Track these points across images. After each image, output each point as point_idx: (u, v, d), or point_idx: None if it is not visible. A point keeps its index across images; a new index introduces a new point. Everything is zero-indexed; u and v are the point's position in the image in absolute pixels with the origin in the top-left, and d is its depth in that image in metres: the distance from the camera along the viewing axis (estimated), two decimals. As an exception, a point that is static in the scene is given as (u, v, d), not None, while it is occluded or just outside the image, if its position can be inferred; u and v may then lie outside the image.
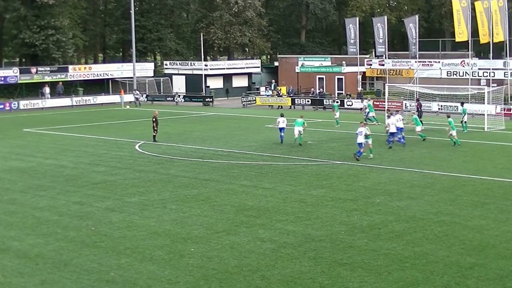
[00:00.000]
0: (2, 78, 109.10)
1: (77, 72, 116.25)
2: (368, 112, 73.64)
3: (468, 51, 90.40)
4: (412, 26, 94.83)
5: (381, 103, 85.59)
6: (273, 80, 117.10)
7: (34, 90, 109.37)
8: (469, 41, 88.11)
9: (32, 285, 27.92)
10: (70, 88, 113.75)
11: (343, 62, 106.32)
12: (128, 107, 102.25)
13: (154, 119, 65.34)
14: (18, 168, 53.90)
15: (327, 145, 61.15)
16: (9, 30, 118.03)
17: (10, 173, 52.15)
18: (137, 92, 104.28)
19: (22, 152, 58.44)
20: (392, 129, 52.89)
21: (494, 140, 62.74)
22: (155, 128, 65.25)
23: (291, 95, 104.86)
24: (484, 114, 72.56)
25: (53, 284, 27.92)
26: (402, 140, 57.10)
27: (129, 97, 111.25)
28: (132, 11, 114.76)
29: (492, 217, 36.73)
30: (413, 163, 52.20)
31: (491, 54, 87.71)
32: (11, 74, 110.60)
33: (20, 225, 37.29)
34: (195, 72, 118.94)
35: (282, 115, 64.03)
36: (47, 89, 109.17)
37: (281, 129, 63.64)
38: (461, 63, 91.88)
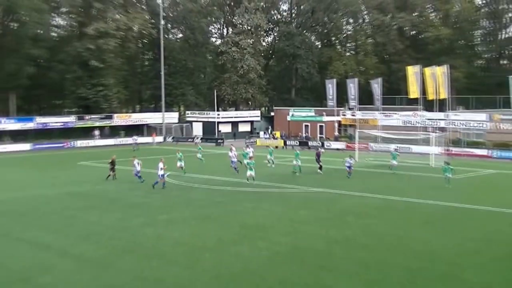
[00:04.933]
0: (63, 123, 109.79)
1: (120, 119, 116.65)
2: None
3: (419, 105, 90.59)
4: (376, 86, 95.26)
5: (352, 145, 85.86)
6: (269, 126, 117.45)
7: (87, 132, 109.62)
8: (420, 98, 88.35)
9: (84, 280, 27.96)
10: (114, 131, 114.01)
11: (324, 113, 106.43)
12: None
13: (111, 162, 61.04)
14: (75, 192, 53.92)
15: (311, 176, 61.19)
16: (69, 87, 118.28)
17: (69, 196, 52.18)
18: (135, 137, 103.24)
19: (78, 179, 58.51)
20: (348, 164, 54.91)
21: (438, 173, 62.74)
22: (112, 169, 60.74)
23: (284, 138, 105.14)
24: (430, 154, 72.77)
25: (101, 280, 27.94)
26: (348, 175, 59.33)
27: (159, 138, 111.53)
28: (162, 73, 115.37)
29: (435, 232, 36.81)
30: (376, 191, 52.24)
31: (436, 108, 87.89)
32: (70, 120, 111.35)
33: (76, 235, 37.29)
34: (210, 119, 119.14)
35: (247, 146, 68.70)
36: (96, 132, 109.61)
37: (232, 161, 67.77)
38: (413, 114, 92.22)
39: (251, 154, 68.37)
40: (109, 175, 60.28)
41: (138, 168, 58.18)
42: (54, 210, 45.44)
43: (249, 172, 57.38)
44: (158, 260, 31.44)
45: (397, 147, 73.39)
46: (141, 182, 57.38)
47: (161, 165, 56.39)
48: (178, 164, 64.21)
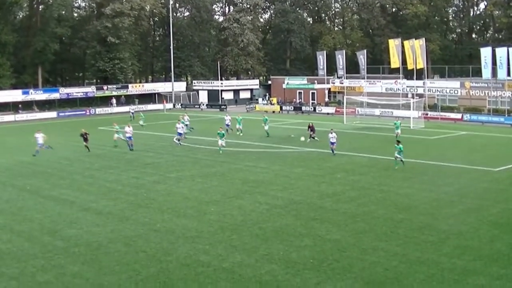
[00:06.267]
0: (84, 93, 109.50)
1: (134, 88, 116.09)
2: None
3: (399, 74, 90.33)
4: (362, 57, 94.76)
5: (341, 109, 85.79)
6: (267, 94, 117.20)
7: (105, 101, 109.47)
8: (400, 68, 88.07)
9: (105, 232, 28.11)
10: (129, 99, 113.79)
11: (315, 81, 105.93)
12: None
13: (83, 134, 55.55)
14: (95, 154, 53.87)
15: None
16: (89, 61, 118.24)
17: (89, 157, 52.15)
18: (132, 107, 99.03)
19: (97, 143, 58.37)
20: (332, 140, 50.93)
21: (417, 134, 62.75)
22: (85, 140, 55.13)
23: (280, 103, 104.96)
24: (410, 117, 72.69)
25: (119, 232, 28.05)
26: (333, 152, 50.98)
27: (169, 105, 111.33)
28: (171, 47, 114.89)
29: (415, 187, 36.91)
30: (363, 150, 52.29)
31: (415, 77, 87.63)
32: (90, 90, 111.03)
33: (96, 192, 37.38)
34: (214, 88, 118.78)
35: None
36: (114, 100, 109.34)
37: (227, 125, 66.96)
38: (394, 82, 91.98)
39: (228, 122, 67.92)
40: (86, 146, 55.09)
41: (131, 135, 56.46)
42: (76, 171, 45.50)
43: (220, 141, 53.58)
44: (169, 213, 31.55)
45: (398, 117, 68.95)
46: (130, 148, 55.90)
47: (179, 125, 59.34)
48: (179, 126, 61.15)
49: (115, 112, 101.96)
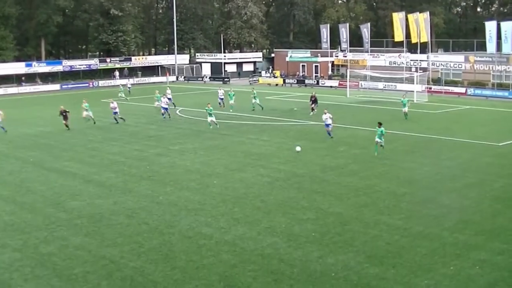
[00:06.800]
0: (88, 66, 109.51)
1: (137, 61, 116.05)
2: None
3: (403, 48, 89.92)
4: (365, 30, 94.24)
5: (344, 83, 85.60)
6: (270, 66, 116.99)
7: (108, 73, 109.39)
8: (404, 41, 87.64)
9: (107, 204, 28.18)
10: (132, 71, 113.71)
11: (319, 54, 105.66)
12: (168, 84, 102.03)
13: (62, 112, 52.61)
14: (97, 126, 53.87)
15: (307, 111, 60.91)
16: (92, 33, 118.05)
17: (91, 129, 52.20)
18: (128, 82, 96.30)
19: (100, 115, 58.20)
20: (328, 122, 47.87)
21: (420, 108, 62.54)
22: (65, 119, 52.15)
23: (283, 76, 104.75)
24: (413, 91, 72.48)
25: (122, 204, 28.15)
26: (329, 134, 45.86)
27: (172, 78, 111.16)
28: (175, 20, 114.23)
29: (418, 161, 36.85)
30: (365, 124, 52.08)
31: (418, 50, 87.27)
32: (93, 63, 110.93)
33: (99, 164, 37.43)
34: (217, 60, 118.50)
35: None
36: (117, 73, 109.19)
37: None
38: (398, 56, 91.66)
39: (221, 96, 66.06)
40: (66, 125, 52.29)
41: (117, 110, 55.88)
42: (79, 143, 45.54)
43: (209, 118, 51.01)
44: (172, 186, 31.57)
45: (406, 93, 66.72)
46: (116, 121, 55.72)
47: (163, 99, 59.52)
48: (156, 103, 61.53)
49: (118, 84, 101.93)
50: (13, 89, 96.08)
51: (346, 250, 21.51)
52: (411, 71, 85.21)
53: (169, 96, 65.78)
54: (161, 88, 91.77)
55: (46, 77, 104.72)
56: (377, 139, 38.31)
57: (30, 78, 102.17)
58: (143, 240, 23.01)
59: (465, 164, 36.08)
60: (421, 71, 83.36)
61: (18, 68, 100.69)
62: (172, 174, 34.31)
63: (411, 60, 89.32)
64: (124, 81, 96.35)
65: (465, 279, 19.04)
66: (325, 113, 45.77)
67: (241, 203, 27.93)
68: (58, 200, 29.25)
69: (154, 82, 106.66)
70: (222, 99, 65.72)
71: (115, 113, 55.89)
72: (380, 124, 38.26)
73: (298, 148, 37.89)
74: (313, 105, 59.13)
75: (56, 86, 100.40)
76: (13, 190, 31.64)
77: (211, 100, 58.05)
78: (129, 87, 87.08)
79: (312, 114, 57.29)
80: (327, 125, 45.41)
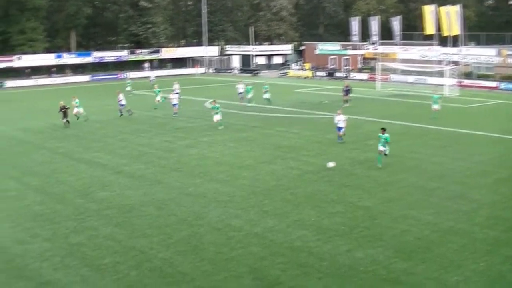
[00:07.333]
0: (117, 57, 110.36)
1: (167, 53, 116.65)
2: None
3: (434, 41, 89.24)
4: (395, 23, 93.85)
5: (374, 76, 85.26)
6: (301, 59, 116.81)
7: (137, 65, 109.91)
8: (435, 34, 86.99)
9: (137, 195, 28.40)
10: (162, 63, 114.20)
11: (349, 47, 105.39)
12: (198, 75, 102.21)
13: (62, 108, 49.90)
14: (126, 118, 54.18)
15: (336, 104, 60.77)
16: (122, 25, 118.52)
17: (120, 120, 52.53)
18: (153, 75, 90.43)
19: (129, 107, 58.19)
20: (340, 125, 44.41)
21: (451, 102, 62.05)
22: (64, 115, 49.64)
23: (313, 69, 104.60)
24: (444, 85, 71.91)
25: (151, 194, 28.37)
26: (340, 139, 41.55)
27: (202, 70, 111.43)
28: (204, 12, 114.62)
29: (449, 156, 36.61)
30: (395, 117, 51.82)
31: (450, 44, 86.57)
32: (123, 54, 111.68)
33: (129, 156, 37.67)
34: (247, 53, 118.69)
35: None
36: (146, 64, 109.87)
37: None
38: (429, 49, 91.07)
39: (240, 90, 63.96)
40: (65, 121, 49.88)
41: (123, 102, 54.96)
42: (108, 134, 45.89)
43: (215, 117, 47.78)
44: (201, 177, 31.71)
45: (436, 87, 65.18)
46: (126, 114, 55.05)
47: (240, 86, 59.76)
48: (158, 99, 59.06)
49: (147, 76, 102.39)
50: (43, 80, 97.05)
51: (375, 244, 21.48)
52: (441, 64, 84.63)
53: (177, 91, 63.68)
54: (191, 81, 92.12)
55: (76, 68, 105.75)
56: (380, 147, 33.67)
57: (61, 69, 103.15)
58: (172, 231, 23.16)
59: (496, 160, 35.79)
60: (452, 64, 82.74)
61: (48, 59, 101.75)
62: (202, 166, 34.45)
63: (442, 54, 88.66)
64: (149, 73, 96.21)
65: (496, 276, 18.96)
66: (338, 114, 41.09)
67: (270, 195, 27.99)
68: (87, 190, 29.53)
69: (183, 74, 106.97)
70: (241, 93, 63.74)
71: (122, 105, 55.12)
72: (383, 130, 33.78)
73: (331, 164, 32.71)
74: (346, 96, 59.02)
75: (86, 77, 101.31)
76: (43, 180, 31.99)
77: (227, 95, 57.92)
78: (152, 79, 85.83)
79: (346, 106, 57.15)
80: (339, 129, 40.86)
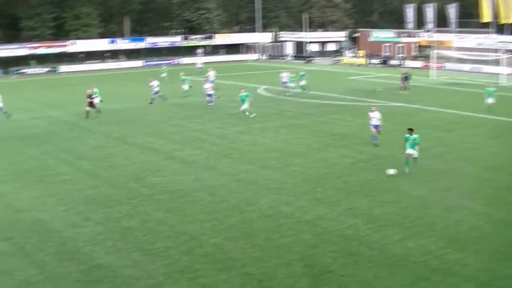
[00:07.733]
0: (171, 43, 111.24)
1: (220, 39, 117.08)
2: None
3: (491, 29, 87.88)
4: (451, 11, 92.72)
5: (429, 64, 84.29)
6: (355, 46, 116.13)
7: (191, 51, 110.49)
8: (492, 22, 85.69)
9: (189, 180, 28.65)
10: (215, 49, 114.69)
11: (404, 34, 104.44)
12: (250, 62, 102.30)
13: (88, 97, 48.40)
14: (179, 103, 54.57)
15: (390, 92, 60.31)
16: (175, 11, 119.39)
17: (173, 106, 52.90)
18: (200, 63, 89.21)
19: (181, 92, 58.48)
20: (374, 122, 42.02)
21: (508, 92, 60.99)
22: (91, 105, 48.04)
23: (367, 56, 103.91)
24: (501, 74, 70.76)
25: (203, 180, 28.55)
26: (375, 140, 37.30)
27: (255, 56, 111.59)
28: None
29: (503, 147, 36.11)
30: (450, 106, 51.20)
31: (508, 31, 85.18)
32: (177, 40, 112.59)
33: (181, 141, 38.00)
34: (301, 39, 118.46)
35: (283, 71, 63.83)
36: (199, 50, 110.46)
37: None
38: (485, 37, 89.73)
39: (285, 80, 61.35)
40: (89, 111, 47.91)
41: (157, 89, 54.55)
42: (161, 119, 46.29)
43: (243, 106, 46.21)
44: (253, 164, 31.81)
45: (492, 83, 63.14)
46: (159, 99, 54.56)
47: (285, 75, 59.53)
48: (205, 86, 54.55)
49: (201, 61, 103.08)
50: (97, 65, 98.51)
51: (427, 235, 21.30)
52: (498, 53, 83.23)
53: (212, 78, 61.89)
54: (244, 67, 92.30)
55: (130, 54, 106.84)
56: (408, 150, 29.92)
57: (114, 54, 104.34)
58: (223, 217, 23.31)
59: (554, 150, 35.20)
60: (509, 53, 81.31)
61: (102, 44, 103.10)
62: (253, 152, 34.56)
63: (498, 42, 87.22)
64: (198, 60, 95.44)
65: (550, 269, 18.67)
66: (373, 111, 36.89)
67: (322, 183, 27.96)
68: (140, 175, 29.88)
69: (237, 60, 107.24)
70: (285, 82, 61.21)
71: (155, 92, 54.57)
72: (411, 131, 30.17)
73: (391, 171, 28.97)
74: (405, 83, 58.56)
75: (139, 63, 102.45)
76: (96, 164, 32.47)
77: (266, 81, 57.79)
78: (199, 67, 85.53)
79: (403, 93, 56.68)
80: (375, 126, 36.62)
